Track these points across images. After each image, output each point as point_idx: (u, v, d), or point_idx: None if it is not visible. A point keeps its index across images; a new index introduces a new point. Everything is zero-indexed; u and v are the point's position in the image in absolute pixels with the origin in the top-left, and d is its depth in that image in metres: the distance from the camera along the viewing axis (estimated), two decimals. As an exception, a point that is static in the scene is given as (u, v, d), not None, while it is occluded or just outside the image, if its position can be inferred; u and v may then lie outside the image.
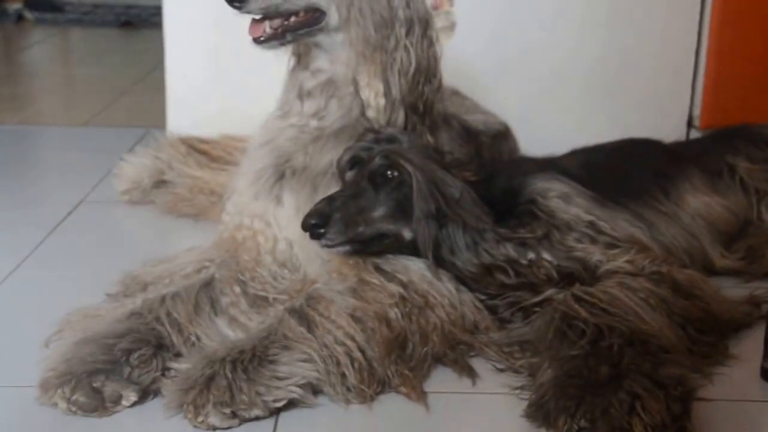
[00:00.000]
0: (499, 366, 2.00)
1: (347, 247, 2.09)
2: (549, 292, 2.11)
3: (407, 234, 2.15)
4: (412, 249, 2.16)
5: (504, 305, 2.15)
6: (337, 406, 1.86)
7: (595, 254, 2.18)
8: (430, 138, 2.32)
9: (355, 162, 2.19)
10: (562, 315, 1.97)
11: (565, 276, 2.16)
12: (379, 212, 2.12)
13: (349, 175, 2.19)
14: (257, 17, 2.24)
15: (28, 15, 6.60)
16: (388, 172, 2.13)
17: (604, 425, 1.69)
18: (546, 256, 2.20)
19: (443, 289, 2.10)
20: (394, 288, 2.05)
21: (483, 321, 2.11)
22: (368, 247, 2.12)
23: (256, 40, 2.25)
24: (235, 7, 2.19)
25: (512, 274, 2.16)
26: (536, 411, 1.78)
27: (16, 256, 2.55)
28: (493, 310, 2.15)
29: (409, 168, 2.12)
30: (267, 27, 2.24)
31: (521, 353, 2.01)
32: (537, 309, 2.09)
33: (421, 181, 2.12)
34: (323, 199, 2.09)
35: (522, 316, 2.12)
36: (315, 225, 2.03)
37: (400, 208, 2.14)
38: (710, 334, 2.06)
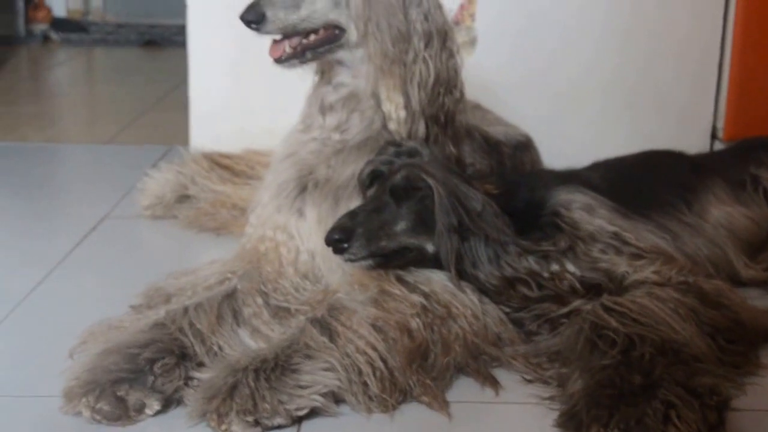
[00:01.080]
0: (527, 377, 1.99)
1: (370, 261, 2.09)
2: (576, 303, 2.10)
3: (430, 247, 2.15)
4: (435, 262, 2.16)
5: (530, 318, 2.13)
6: (358, 415, 1.85)
7: (621, 265, 2.17)
8: (452, 149, 2.33)
9: (376, 176, 2.19)
10: (592, 325, 1.96)
11: (591, 287, 2.15)
12: (401, 226, 2.12)
13: (371, 189, 2.20)
14: (277, 37, 2.26)
15: (54, 36, 6.63)
16: (410, 186, 2.13)
17: None
18: (570, 267, 2.19)
19: (466, 300, 2.10)
20: (416, 298, 2.05)
21: (507, 333, 2.09)
22: (391, 261, 2.12)
23: (277, 60, 2.28)
24: (252, 29, 2.22)
25: (534, 287, 2.15)
26: (568, 421, 1.78)
27: (41, 269, 2.56)
28: (518, 323, 2.13)
29: (431, 181, 2.11)
30: (287, 46, 2.26)
31: (549, 364, 2.00)
32: (564, 320, 2.08)
33: (443, 194, 2.11)
34: (346, 214, 2.10)
35: (548, 328, 2.10)
36: (338, 240, 2.03)
37: (422, 221, 2.13)
38: (739, 344, 2.05)
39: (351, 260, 2.07)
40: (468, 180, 2.21)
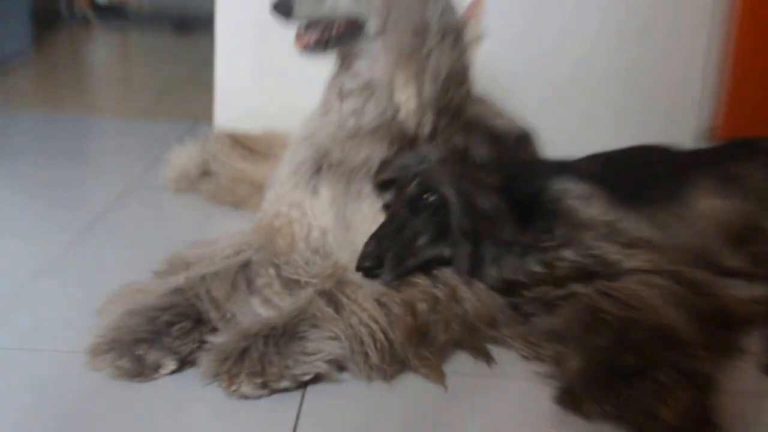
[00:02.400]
0: (525, 354, 1.99)
1: (399, 279, 2.06)
2: (572, 286, 2.09)
3: (447, 253, 2.13)
4: (448, 263, 2.14)
5: (527, 300, 2.13)
6: (359, 382, 1.85)
7: (614, 253, 2.16)
8: (459, 140, 2.32)
9: (391, 182, 2.18)
10: (589, 308, 1.95)
11: (586, 273, 2.13)
12: (423, 240, 2.10)
13: (385, 193, 2.19)
14: (302, 27, 2.25)
15: (93, 18, 6.63)
16: (425, 197, 2.11)
17: (632, 411, 1.69)
18: (566, 253, 2.18)
19: (475, 288, 2.10)
20: (426, 282, 2.06)
21: (506, 317, 2.08)
22: (416, 272, 2.10)
23: (303, 49, 2.26)
24: (281, 19, 2.22)
25: (531, 286, 2.15)
26: (566, 397, 1.77)
27: (71, 232, 2.56)
28: (516, 306, 2.12)
29: (444, 190, 2.11)
30: (312, 36, 2.25)
31: (546, 343, 1.99)
32: (560, 303, 2.07)
33: (457, 202, 2.10)
34: (372, 238, 2.07)
35: (545, 310, 2.09)
36: (370, 267, 2.02)
37: (440, 230, 2.11)
38: (723, 330, 2.04)
39: (384, 282, 2.03)
40: (476, 178, 2.19)
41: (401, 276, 2.05)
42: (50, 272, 2.32)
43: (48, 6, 6.43)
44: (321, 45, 2.26)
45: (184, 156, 3.07)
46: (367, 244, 2.07)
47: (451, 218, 2.11)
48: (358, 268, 2.03)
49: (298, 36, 2.27)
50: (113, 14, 6.74)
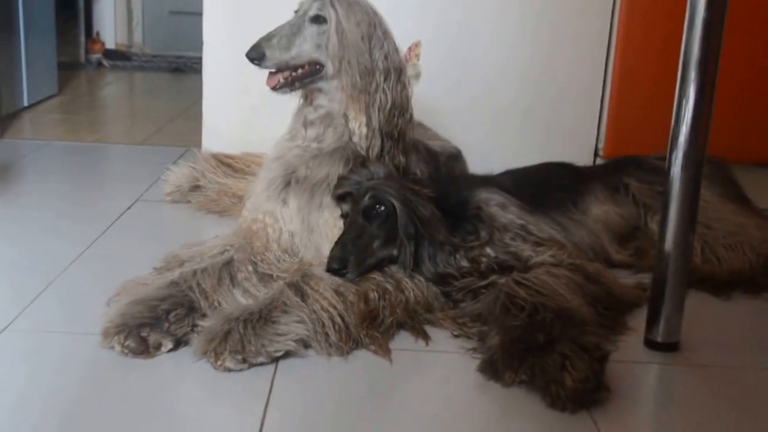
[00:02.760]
0: (455, 333, 1.99)
1: (360, 276, 2.05)
2: (493, 277, 2.09)
3: (395, 252, 2.12)
4: (395, 261, 2.14)
5: (457, 289, 2.12)
6: (321, 358, 1.85)
7: (526, 250, 2.17)
8: (402, 159, 2.31)
9: (347, 195, 2.16)
10: (506, 295, 1.96)
11: (504, 266, 2.14)
12: (377, 243, 2.09)
13: (343, 204, 2.17)
14: (273, 70, 2.25)
15: (105, 63, 6.60)
16: (377, 207, 2.10)
17: (541, 378, 1.69)
18: (488, 251, 2.18)
19: (416, 280, 2.10)
20: (377, 276, 2.06)
21: (439, 304, 2.09)
22: (372, 270, 2.09)
23: (273, 88, 2.27)
24: (255, 64, 2.22)
25: (460, 277, 2.14)
26: (488, 368, 1.78)
27: (87, 239, 2.53)
28: (447, 294, 2.12)
29: (392, 201, 2.10)
30: (281, 78, 2.25)
31: (472, 323, 1.99)
32: (483, 291, 2.07)
33: (402, 210, 2.10)
34: (337, 245, 2.06)
35: (471, 296, 2.09)
36: (337, 269, 2.01)
37: (390, 234, 2.10)
38: (613, 311, 2.06)
39: (349, 280, 2.02)
40: (416, 191, 2.18)
41: (362, 274, 2.04)
42: (71, 270, 2.30)
43: (70, 55, 6.40)
44: (288, 84, 2.26)
45: (178, 174, 3.04)
46: (333, 249, 2.06)
47: (398, 224, 2.10)
48: (328, 269, 2.02)
49: (269, 77, 2.27)
50: (121, 59, 6.69)
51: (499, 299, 1.96)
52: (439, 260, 2.14)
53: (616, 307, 2.09)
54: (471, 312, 2.04)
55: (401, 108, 2.29)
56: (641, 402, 1.77)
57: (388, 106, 2.26)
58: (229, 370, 1.75)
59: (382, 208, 2.10)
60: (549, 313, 1.85)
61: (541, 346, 1.75)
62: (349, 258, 2.03)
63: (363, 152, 2.26)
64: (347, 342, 1.88)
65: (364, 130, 2.25)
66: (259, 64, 2.22)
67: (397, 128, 2.29)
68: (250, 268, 2.11)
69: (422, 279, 2.10)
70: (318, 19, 2.24)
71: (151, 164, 3.48)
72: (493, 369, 1.77)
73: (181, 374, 1.76)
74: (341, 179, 2.20)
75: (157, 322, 1.85)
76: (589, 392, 1.67)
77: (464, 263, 2.16)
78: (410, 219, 2.10)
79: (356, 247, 2.05)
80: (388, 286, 2.03)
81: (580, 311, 1.92)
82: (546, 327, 1.80)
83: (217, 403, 1.67)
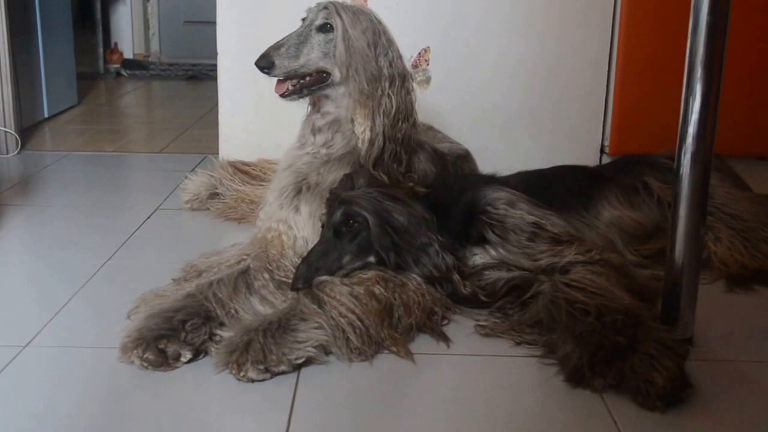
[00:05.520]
0: (517, 341, 1.93)
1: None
2: (538, 287, 2.02)
3: (372, 259, 2.06)
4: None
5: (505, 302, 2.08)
6: (341, 365, 1.82)
7: (546, 252, 2.11)
8: (405, 161, 2.31)
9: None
10: (565, 300, 1.89)
11: (532, 271, 2.09)
12: (347, 258, 2.03)
13: (323, 219, 2.13)
14: (281, 78, 2.25)
15: (124, 72, 6.59)
16: (349, 222, 2.04)
17: (632, 380, 1.66)
18: (493, 253, 2.15)
19: (410, 277, 2.06)
20: (374, 272, 2.02)
21: (440, 305, 2.05)
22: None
23: (282, 95, 2.27)
24: (264, 73, 2.22)
25: (458, 282, 2.08)
26: (574, 375, 1.73)
27: (108, 251, 2.50)
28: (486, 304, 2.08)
29: (365, 214, 2.03)
30: (289, 85, 2.25)
31: (531, 330, 1.94)
32: (529, 301, 2.02)
33: (375, 223, 2.03)
34: (303, 263, 2.01)
35: (518, 308, 2.04)
36: (301, 288, 1.96)
37: (363, 247, 2.04)
38: (647, 303, 1.99)
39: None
40: (395, 196, 2.11)
41: None
42: (94, 281, 2.27)
43: (89, 65, 6.41)
44: (296, 92, 2.26)
45: (197, 182, 3.02)
46: (298, 268, 2.01)
47: (372, 239, 2.03)
48: (292, 289, 1.99)
49: (278, 85, 2.27)
50: (139, 68, 6.68)
51: (559, 306, 1.89)
52: (423, 265, 2.06)
53: (647, 299, 2.01)
54: (527, 320, 1.97)
55: (405, 113, 2.29)
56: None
57: (393, 111, 2.26)
58: (252, 380, 1.72)
59: (355, 223, 2.04)
60: (616, 315, 1.79)
61: (625, 349, 1.70)
62: (314, 277, 1.98)
63: (363, 156, 2.26)
64: (369, 345, 1.86)
65: (368, 134, 2.25)
66: (268, 73, 2.22)
67: (401, 132, 2.28)
68: (267, 275, 2.08)
69: (419, 277, 2.06)
70: (324, 28, 2.24)
71: (170, 172, 3.47)
72: (580, 376, 1.72)
73: (204, 387, 1.73)
74: (330, 193, 2.15)
75: (174, 333, 1.82)
76: (678, 389, 1.64)
77: (453, 263, 2.09)
78: (384, 231, 2.04)
79: (323, 265, 2.00)
80: (386, 275, 2.01)
81: (640, 308, 1.85)
82: (621, 329, 1.75)
83: (240, 415, 1.63)
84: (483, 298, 2.08)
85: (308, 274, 1.98)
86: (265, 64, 2.20)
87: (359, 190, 2.09)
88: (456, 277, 2.08)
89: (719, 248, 2.38)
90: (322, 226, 2.12)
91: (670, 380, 1.63)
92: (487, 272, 2.14)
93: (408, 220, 2.07)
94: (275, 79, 2.26)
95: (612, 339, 1.73)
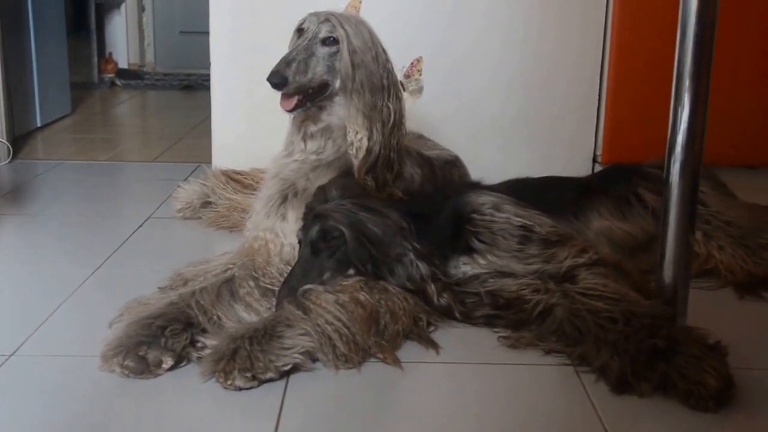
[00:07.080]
0: (545, 350, 1.89)
1: None
2: (549, 299, 1.98)
3: (351, 272, 2.02)
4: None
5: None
6: (329, 373, 1.81)
7: (537, 256, 2.08)
8: (397, 165, 2.35)
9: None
10: (587, 311, 1.86)
11: (504, 275, 2.07)
12: (327, 275, 2.00)
13: (299, 235, 2.11)
14: (288, 93, 2.26)
15: (118, 82, 6.59)
16: (325, 238, 2.02)
17: (682, 383, 1.65)
18: (480, 260, 2.11)
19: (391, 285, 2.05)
20: (355, 279, 2.01)
21: (423, 311, 2.04)
22: None
23: (290, 111, 2.29)
24: (278, 89, 2.24)
25: (433, 293, 2.04)
26: (619, 384, 1.71)
27: (99, 257, 2.51)
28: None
29: (341, 228, 2.00)
30: (296, 100, 2.27)
31: (557, 338, 1.90)
32: (544, 311, 1.98)
33: (351, 236, 2.00)
34: (284, 286, 2.00)
35: (538, 321, 1.99)
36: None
37: (342, 262, 2.01)
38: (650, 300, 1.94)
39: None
40: (367, 206, 2.08)
41: None
42: (82, 289, 2.27)
43: (84, 75, 6.42)
44: (301, 105, 2.29)
45: (189, 191, 3.01)
46: (280, 291, 2.00)
47: (349, 253, 2.01)
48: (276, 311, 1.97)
49: (285, 99, 2.28)
50: (134, 78, 6.69)
51: (584, 318, 1.85)
52: (397, 276, 2.03)
53: (647, 297, 1.96)
54: (549, 331, 1.93)
55: (399, 121, 2.33)
56: (650, 404, 1.68)
57: (391, 120, 2.30)
58: (240, 388, 1.71)
59: (332, 239, 2.01)
60: (643, 318, 1.77)
61: (665, 351, 1.69)
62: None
63: (358, 164, 2.28)
64: (356, 352, 1.85)
65: (365, 142, 2.27)
66: (281, 89, 2.24)
67: (394, 139, 2.32)
68: (252, 283, 2.07)
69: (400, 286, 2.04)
70: (328, 41, 2.27)
71: (162, 181, 3.47)
72: (625, 384, 1.70)
73: (191, 396, 1.71)
74: (306, 207, 2.14)
75: (154, 339, 1.80)
76: (727, 389, 1.64)
77: (428, 272, 2.04)
78: (360, 243, 2.01)
79: (304, 285, 1.96)
80: (368, 281, 2.00)
81: (662, 308, 1.83)
82: (655, 332, 1.73)
83: (227, 424, 1.62)
84: (457, 315, 2.05)
85: (290, 297, 1.95)
86: (279, 80, 2.21)
87: (333, 203, 2.07)
88: (431, 288, 2.04)
89: (724, 256, 2.36)
90: (299, 243, 2.10)
91: (722, 381, 1.63)
92: (475, 282, 2.10)
93: (383, 230, 2.04)
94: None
95: (648, 342, 1.71)
